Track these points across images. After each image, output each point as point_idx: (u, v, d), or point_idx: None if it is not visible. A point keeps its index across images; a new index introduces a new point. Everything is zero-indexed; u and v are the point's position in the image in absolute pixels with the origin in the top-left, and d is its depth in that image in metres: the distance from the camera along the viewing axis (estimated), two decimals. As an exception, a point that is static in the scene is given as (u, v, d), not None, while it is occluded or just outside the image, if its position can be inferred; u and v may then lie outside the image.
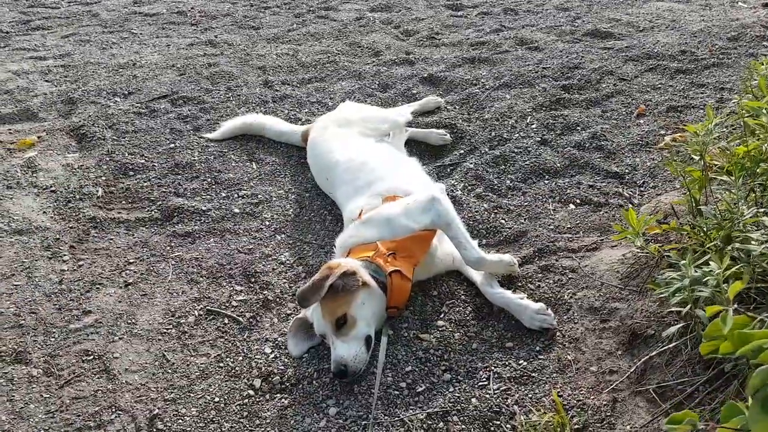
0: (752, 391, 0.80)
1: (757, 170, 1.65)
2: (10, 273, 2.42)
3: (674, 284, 1.37)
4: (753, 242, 1.42)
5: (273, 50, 4.52)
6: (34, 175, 3.07)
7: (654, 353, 1.72)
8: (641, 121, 3.20)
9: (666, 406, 1.61)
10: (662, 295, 1.60)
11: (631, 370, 1.73)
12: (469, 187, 2.85)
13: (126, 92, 3.93)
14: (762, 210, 1.51)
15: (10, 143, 3.36)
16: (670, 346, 1.62)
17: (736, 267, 1.35)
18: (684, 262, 1.37)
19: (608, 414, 1.73)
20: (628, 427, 1.65)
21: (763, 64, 2.02)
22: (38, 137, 3.43)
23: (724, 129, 2.15)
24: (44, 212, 2.80)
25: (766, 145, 1.67)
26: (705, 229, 1.55)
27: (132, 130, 3.47)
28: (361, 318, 2.02)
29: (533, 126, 3.23)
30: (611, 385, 1.80)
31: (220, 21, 5.35)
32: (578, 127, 3.19)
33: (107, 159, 3.19)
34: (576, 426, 1.71)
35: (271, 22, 5.24)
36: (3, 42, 5.04)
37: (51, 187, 2.98)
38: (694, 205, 1.71)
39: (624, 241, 2.27)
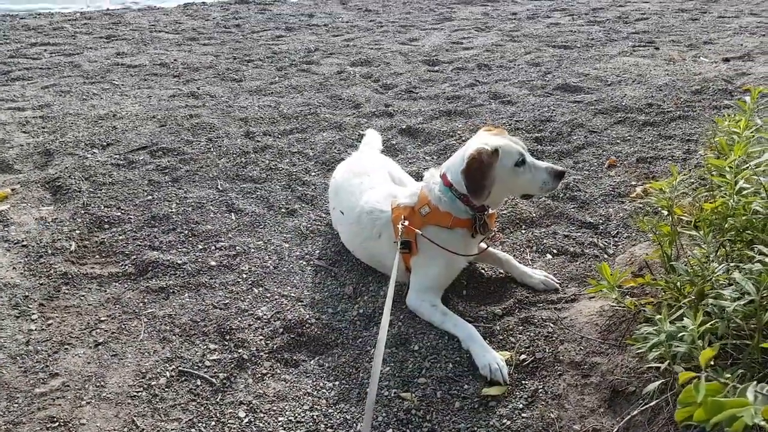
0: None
1: (725, 226, 1.69)
2: (-27, 334, 2.33)
3: (651, 339, 1.37)
4: (725, 299, 1.44)
5: (255, 102, 4.58)
6: (6, 229, 3.00)
7: (635, 412, 1.70)
8: (612, 173, 3.28)
9: (650, 467, 1.58)
10: (640, 351, 1.59)
11: (614, 430, 1.70)
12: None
13: (104, 144, 3.92)
14: (733, 265, 1.54)
15: (-18, 196, 3.30)
16: (651, 404, 1.60)
17: (711, 323, 1.36)
18: (659, 317, 1.37)
19: (592, 476, 1.69)
20: (613, 487, 1.61)
21: (725, 120, 2.10)
22: (12, 189, 3.37)
23: (692, 182, 2.21)
24: (14, 268, 2.73)
25: (731, 201, 1.72)
26: (678, 284, 1.57)
27: (109, 182, 3.44)
28: None
29: (510, 177, 3.28)
30: (594, 441, 1.77)
31: (203, 73, 5.43)
32: (553, 178, 3.26)
33: (82, 212, 3.15)
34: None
35: (253, 74, 5.33)
36: (-19, 93, 5.03)
37: (22, 241, 2.91)
38: (666, 259, 1.74)
39: (597, 294, 2.30)
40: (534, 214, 2.99)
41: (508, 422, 1.96)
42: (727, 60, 4.73)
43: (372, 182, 2.71)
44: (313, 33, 6.88)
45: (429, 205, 2.39)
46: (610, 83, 4.50)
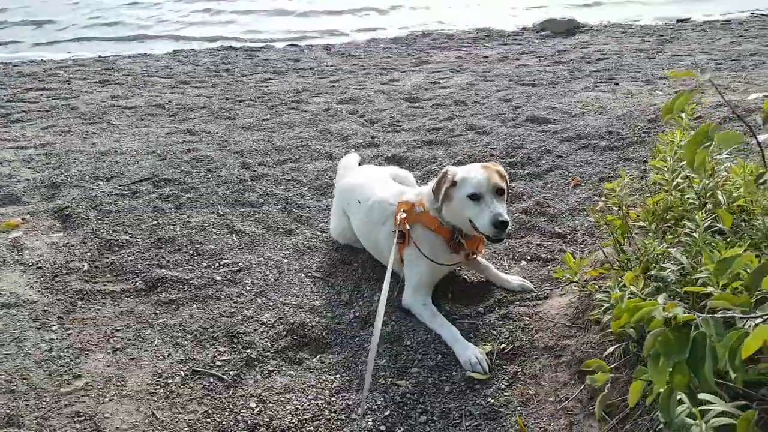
0: (647, 351, 1.08)
1: (667, 216, 2.01)
2: (1, 341, 2.51)
3: (604, 304, 1.66)
4: (668, 270, 1.74)
5: (249, 137, 4.90)
6: (20, 253, 3.20)
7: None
8: (577, 191, 3.63)
9: (613, 422, 1.84)
10: (598, 317, 1.88)
11: (576, 392, 1.97)
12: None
13: (108, 176, 4.17)
14: (670, 245, 1.85)
15: (-6, 226, 3.50)
16: (612, 367, 1.87)
17: (652, 286, 1.65)
18: (609, 284, 1.67)
19: (566, 435, 1.94)
20: (583, 444, 1.86)
21: (667, 135, 2.47)
22: (22, 219, 3.58)
23: (643, 188, 2.55)
24: (31, 287, 2.93)
25: (670, 197, 2.06)
26: (628, 262, 1.88)
27: (115, 210, 3.68)
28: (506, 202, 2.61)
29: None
30: (567, 411, 2.02)
31: (197, 112, 5.75)
32: (524, 196, 3.60)
33: (92, 236, 3.37)
34: (538, 447, 1.91)
35: (246, 113, 5.67)
36: (-17, 134, 5.26)
37: (37, 263, 3.12)
38: (617, 244, 2.05)
39: (569, 289, 2.60)
40: (509, 227, 3.30)
41: (492, 400, 2.20)
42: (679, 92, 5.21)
43: (385, 182, 3.07)
44: (300, 76, 7.30)
45: (423, 206, 2.70)
46: (574, 115, 4.94)
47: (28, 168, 4.39)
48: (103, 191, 3.93)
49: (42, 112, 5.98)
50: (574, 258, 2.31)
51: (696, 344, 1.04)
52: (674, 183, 2.05)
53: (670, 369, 1.08)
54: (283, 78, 7.20)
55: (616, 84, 5.83)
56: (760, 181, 1.49)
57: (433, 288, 2.78)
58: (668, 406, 1.12)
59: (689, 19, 10.02)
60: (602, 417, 1.89)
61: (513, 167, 4.02)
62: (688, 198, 1.99)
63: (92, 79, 7.44)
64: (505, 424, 2.09)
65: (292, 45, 9.61)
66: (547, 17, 9.39)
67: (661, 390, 1.10)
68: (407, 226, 2.70)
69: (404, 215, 2.72)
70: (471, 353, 2.39)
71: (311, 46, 9.48)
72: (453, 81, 6.48)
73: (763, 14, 10.27)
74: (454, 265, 2.85)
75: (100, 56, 9.11)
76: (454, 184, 2.58)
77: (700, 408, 1.18)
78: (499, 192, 2.55)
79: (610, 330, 1.95)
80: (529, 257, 3.05)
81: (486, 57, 7.69)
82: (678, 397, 1.20)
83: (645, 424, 1.75)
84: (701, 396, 1.18)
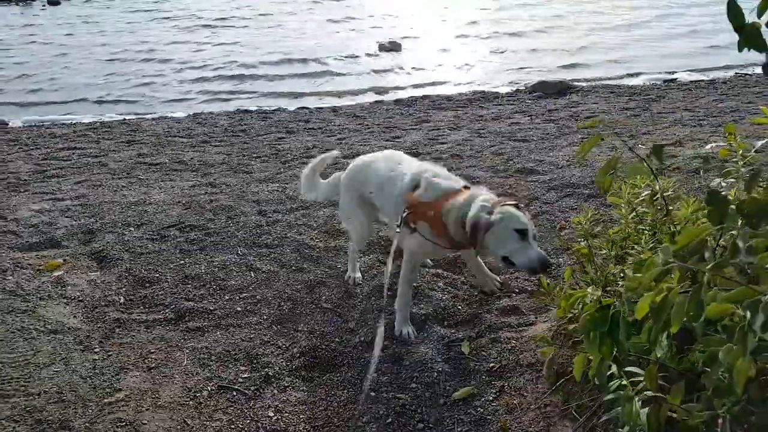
0: (581, 329, 1.44)
1: (624, 244, 2.40)
2: (50, 362, 2.86)
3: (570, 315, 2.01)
4: (620, 285, 2.10)
5: (264, 188, 5.37)
6: (63, 289, 3.59)
7: (571, 384, 2.29)
8: (563, 233, 4.02)
9: (582, 420, 2.15)
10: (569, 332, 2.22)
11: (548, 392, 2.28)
12: (431, 283, 3.51)
13: (138, 223, 4.61)
14: (624, 267, 2.22)
15: (38, 266, 3.91)
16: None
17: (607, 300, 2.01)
18: (574, 294, 2.03)
19: (543, 433, 2.24)
20: (557, 438, 2.16)
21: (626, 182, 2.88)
22: (63, 260, 4.00)
23: (606, 223, 2.94)
24: (74, 316, 3.30)
25: (627, 228, 2.45)
26: (589, 281, 2.24)
27: (146, 252, 4.09)
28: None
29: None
30: (546, 414, 2.33)
31: (217, 168, 6.26)
32: (516, 238, 3.99)
33: (126, 275, 3.77)
34: (519, 444, 2.21)
35: (261, 168, 6.18)
36: (23, 188, 5.76)
37: (78, 297, 3.50)
38: (582, 268, 2.42)
39: (550, 316, 2.95)
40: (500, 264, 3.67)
41: (481, 410, 2.51)
42: (660, 146, 5.67)
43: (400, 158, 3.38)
44: (310, 134, 7.88)
45: (439, 213, 2.84)
46: (561, 167, 5.39)
47: (66, 217, 4.84)
48: (134, 236, 4.35)
49: (75, 169, 6.51)
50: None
51: (614, 319, 1.41)
52: (630, 216, 2.44)
53: (599, 342, 1.44)
54: (294, 137, 7.78)
55: (602, 139, 6.31)
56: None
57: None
58: (601, 371, 1.47)
59: (676, 79, 10.68)
60: (570, 414, 2.20)
61: (504, 213, 4.42)
62: (641, 228, 2.37)
63: (119, 139, 8.04)
64: (491, 428, 2.39)
65: (303, 108, 10.31)
66: (540, 79, 10.09)
67: (592, 358, 1.46)
68: (412, 225, 2.97)
69: (411, 213, 2.95)
70: (405, 329, 3.05)
71: (320, 108, 10.17)
72: (450, 137, 7.00)
73: (746, 73, 10.92)
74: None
75: (125, 119, 9.80)
76: (489, 226, 2.67)
77: (631, 380, 1.52)
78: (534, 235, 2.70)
79: (577, 339, 2.29)
80: (517, 290, 3.40)
81: (481, 116, 8.27)
82: (610, 370, 1.55)
83: (611, 420, 2.06)
84: (632, 369, 1.53)
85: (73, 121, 9.89)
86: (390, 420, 2.51)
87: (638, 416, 1.40)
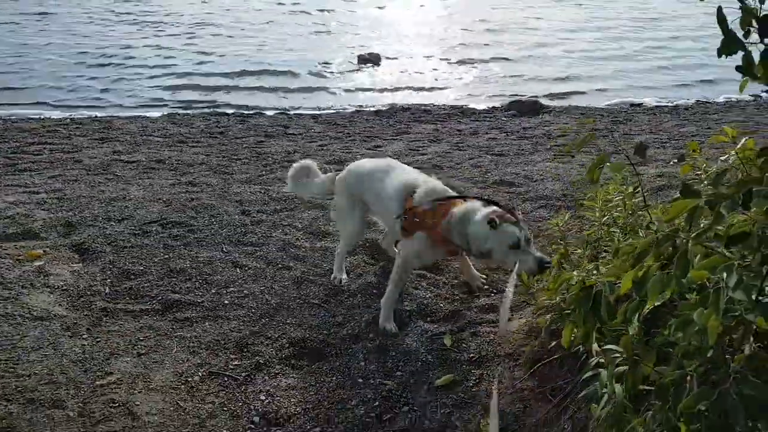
0: (569, 306, 1.61)
1: (596, 245, 2.61)
2: (38, 346, 2.88)
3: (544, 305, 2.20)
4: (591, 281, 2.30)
5: (247, 189, 5.44)
6: (46, 278, 3.58)
7: (546, 369, 2.48)
8: (537, 240, 4.24)
9: (556, 401, 2.33)
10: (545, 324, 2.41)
11: (526, 375, 2.46)
12: (415, 282, 3.67)
13: (119, 218, 4.61)
14: (599, 264, 2.43)
15: (18, 256, 3.88)
16: (554, 357, 2.39)
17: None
18: (550, 288, 2.21)
19: (521, 414, 2.41)
20: (535, 418, 2.33)
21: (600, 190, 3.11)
22: (43, 251, 3.97)
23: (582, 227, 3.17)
24: (59, 305, 3.31)
25: (600, 230, 2.66)
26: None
27: (129, 246, 4.10)
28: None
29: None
30: (523, 398, 2.50)
31: (197, 168, 6.29)
32: (493, 243, 4.19)
33: (110, 266, 3.78)
34: (500, 426, 2.37)
35: (242, 169, 6.24)
36: (-5, 180, 5.66)
37: (62, 286, 3.50)
38: (558, 265, 2.63)
39: (526, 312, 3.14)
40: (481, 267, 3.85)
41: (462, 395, 2.67)
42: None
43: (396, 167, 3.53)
44: (290, 140, 7.98)
45: (439, 222, 3.03)
46: (535, 180, 5.66)
47: (43, 210, 4.79)
48: (116, 230, 4.36)
49: (47, 164, 6.41)
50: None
51: (596, 298, 1.59)
52: (603, 220, 2.66)
53: (583, 317, 1.62)
54: (274, 141, 7.86)
55: (573, 156, 6.64)
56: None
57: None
58: (586, 342, 1.64)
59: (642, 104, 11.23)
60: (545, 396, 2.38)
61: (481, 219, 4.63)
62: (613, 231, 2.59)
63: (92, 136, 7.95)
64: (472, 410, 2.55)
65: (282, 113, 10.38)
66: (515, 99, 10.46)
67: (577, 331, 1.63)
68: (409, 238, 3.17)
69: (408, 220, 3.13)
70: (388, 325, 3.18)
71: (300, 114, 10.27)
72: (430, 149, 7.22)
73: (707, 101, 11.57)
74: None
75: (96, 116, 9.67)
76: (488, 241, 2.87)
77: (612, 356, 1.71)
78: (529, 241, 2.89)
79: (554, 329, 2.48)
80: (495, 291, 3.59)
81: (460, 130, 8.54)
82: (593, 342, 1.73)
83: (581, 401, 2.24)
84: (612, 347, 1.71)
85: (41, 116, 9.70)
86: (377, 403, 2.64)
87: (613, 385, 1.59)
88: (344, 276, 3.77)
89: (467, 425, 2.44)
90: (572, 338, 1.72)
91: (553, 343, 2.48)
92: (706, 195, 1.47)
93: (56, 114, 9.87)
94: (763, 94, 11.08)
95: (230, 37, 16.38)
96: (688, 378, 1.33)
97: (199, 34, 16.71)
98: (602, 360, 1.74)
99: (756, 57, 1.24)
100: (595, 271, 2.43)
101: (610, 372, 1.57)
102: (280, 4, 21.60)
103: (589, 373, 1.83)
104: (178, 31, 16.92)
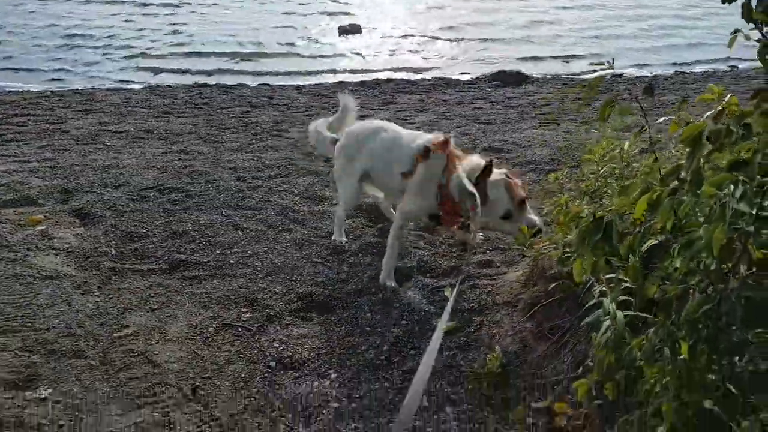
0: (578, 239, 1.75)
1: (593, 196, 2.77)
2: (52, 303, 2.94)
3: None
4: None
5: (239, 157, 5.48)
6: (50, 241, 3.62)
7: (543, 312, 2.65)
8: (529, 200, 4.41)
9: (555, 338, 2.51)
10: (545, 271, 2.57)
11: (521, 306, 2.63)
12: (414, 242, 3.80)
13: (116, 185, 4.63)
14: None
15: (19, 221, 3.89)
16: (553, 299, 2.56)
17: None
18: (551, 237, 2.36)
19: (521, 352, 2.58)
20: (534, 355, 2.51)
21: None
22: (44, 216, 3.99)
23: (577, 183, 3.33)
24: (67, 265, 3.36)
25: (597, 182, 2.82)
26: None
27: (129, 210, 4.14)
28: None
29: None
30: (522, 338, 2.68)
31: (186, 137, 6.28)
32: (486, 204, 4.35)
33: (112, 229, 3.83)
34: (503, 362, 2.54)
35: (232, 138, 6.26)
36: (-19, 150, 5.59)
37: (67, 249, 3.55)
38: (553, 219, 2.79)
39: (522, 265, 3.31)
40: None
41: (465, 339, 2.83)
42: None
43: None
44: (276, 110, 7.98)
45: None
46: (523, 146, 5.82)
47: (37, 177, 4.78)
48: (114, 196, 4.38)
49: (34, 134, 6.33)
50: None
51: (607, 227, 1.73)
52: (601, 171, 2.83)
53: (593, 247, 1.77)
54: (261, 111, 7.85)
55: (558, 124, 6.81)
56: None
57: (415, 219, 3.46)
58: (595, 272, 1.80)
59: (623, 74, 11.44)
60: (544, 335, 2.56)
61: (473, 183, 4.77)
62: (610, 181, 2.75)
63: (75, 108, 7.83)
64: (475, 352, 2.72)
65: (265, 84, 10.32)
66: (499, 69, 10.57)
67: (586, 262, 1.78)
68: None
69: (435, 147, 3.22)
70: (388, 281, 3.29)
71: (283, 85, 10.22)
72: (418, 118, 7.31)
73: (685, 72, 11.83)
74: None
75: (77, 89, 9.49)
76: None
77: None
78: (523, 204, 3.02)
79: (552, 274, 2.64)
80: (491, 248, 3.75)
81: (445, 101, 8.64)
82: (599, 272, 1.88)
83: (581, 333, 2.42)
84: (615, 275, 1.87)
85: (20, 89, 9.48)
86: (386, 348, 2.79)
87: (615, 311, 1.75)
88: (344, 238, 3.88)
89: (471, 364, 2.61)
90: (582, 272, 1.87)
91: (552, 286, 2.65)
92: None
93: (35, 87, 9.65)
94: (740, 65, 11.39)
95: (204, 14, 16.07)
96: (691, 291, 1.49)
97: (180, 11, 16.34)
98: (605, 289, 1.90)
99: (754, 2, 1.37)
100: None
101: (614, 297, 1.72)
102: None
103: (593, 301, 1.99)
104: (157, 10, 16.52)
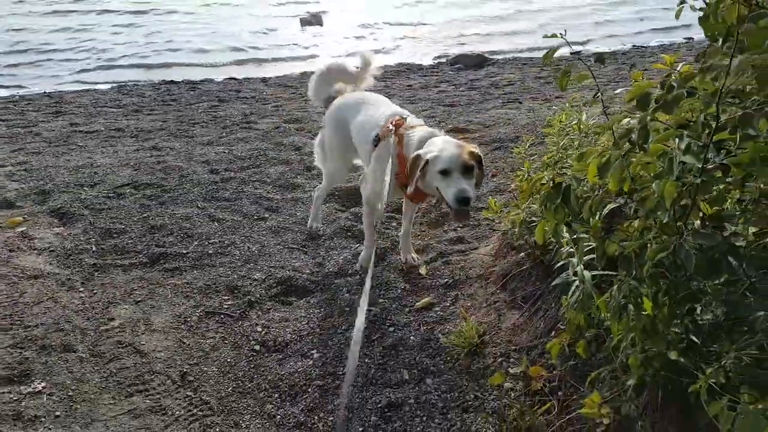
0: (540, 204, 1.91)
1: (554, 168, 2.95)
2: (38, 300, 3.01)
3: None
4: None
5: (211, 150, 5.53)
6: (31, 242, 3.66)
7: (516, 281, 2.83)
8: (495, 179, 4.59)
9: (527, 306, 2.69)
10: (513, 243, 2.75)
11: (500, 283, 2.81)
12: (386, 223, 3.95)
13: (91, 184, 4.65)
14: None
15: (-3, 224, 3.92)
16: (523, 269, 2.74)
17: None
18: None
19: (496, 323, 2.76)
20: (508, 323, 2.69)
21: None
22: (23, 218, 4.01)
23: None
24: (50, 264, 3.41)
25: (558, 154, 3.00)
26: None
27: (106, 208, 4.18)
28: (474, 181, 2.82)
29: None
30: (496, 309, 2.85)
31: (157, 134, 6.29)
32: (455, 184, 4.51)
33: (91, 227, 3.88)
34: (479, 331, 2.71)
35: (202, 132, 6.28)
36: (-51, 156, 5.51)
37: (48, 248, 3.59)
38: (521, 191, 2.96)
39: (492, 240, 3.48)
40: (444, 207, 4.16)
41: (441, 313, 3.00)
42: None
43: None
44: (244, 103, 8.00)
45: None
46: (488, 126, 5.99)
47: (13, 181, 4.76)
48: (90, 195, 4.41)
49: (6, 138, 6.24)
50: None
51: (566, 191, 1.89)
52: (561, 144, 3.00)
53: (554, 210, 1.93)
54: (228, 105, 7.86)
55: (520, 103, 7.01)
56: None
57: (383, 200, 3.11)
58: (556, 233, 1.96)
59: (580, 51, 11.70)
60: (517, 304, 2.74)
61: (443, 164, 4.93)
62: (569, 153, 2.93)
63: (45, 111, 7.71)
64: (450, 325, 2.88)
65: (231, 78, 10.28)
66: (460, 53, 10.72)
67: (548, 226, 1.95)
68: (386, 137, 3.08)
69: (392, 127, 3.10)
70: (365, 264, 3.28)
71: (249, 78, 10.20)
72: (386, 104, 7.43)
73: (642, 47, 12.16)
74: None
75: (45, 92, 9.32)
76: (426, 163, 2.81)
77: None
78: (467, 169, 2.78)
79: (520, 245, 2.82)
80: (461, 225, 3.92)
81: (409, 86, 8.76)
82: (564, 235, 2.05)
83: (551, 300, 2.59)
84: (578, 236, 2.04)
85: (-13, 95, 9.26)
86: (365, 326, 2.93)
87: (582, 272, 1.92)
88: (319, 224, 3.99)
89: (448, 336, 2.78)
90: (545, 233, 2.02)
91: (521, 256, 2.83)
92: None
93: (3, 92, 9.44)
94: (695, 36, 11.75)
95: (172, 13, 15.80)
96: (648, 246, 1.65)
97: (143, 10, 16.01)
98: (572, 249, 2.07)
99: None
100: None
101: (580, 255, 1.88)
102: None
103: (561, 263, 2.15)
104: (120, 14, 16.16)
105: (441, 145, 2.86)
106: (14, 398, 2.38)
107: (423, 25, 13.95)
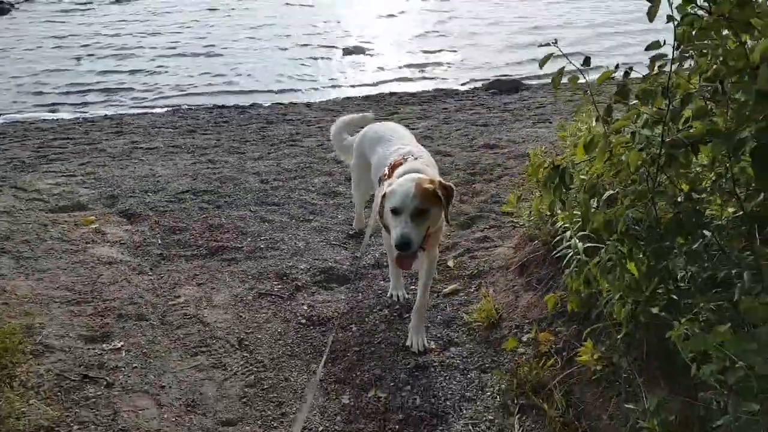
0: (542, 184, 2.26)
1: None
2: (114, 281, 3.49)
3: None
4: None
5: (261, 164, 6.05)
6: (104, 236, 4.19)
7: (533, 264, 3.14)
8: (521, 188, 4.91)
9: (541, 287, 2.99)
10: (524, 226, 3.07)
11: (514, 267, 3.12)
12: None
13: (155, 190, 5.21)
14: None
15: (74, 222, 4.47)
16: (537, 254, 3.05)
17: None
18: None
19: (513, 303, 3.07)
20: (524, 302, 2.99)
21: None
22: (95, 218, 4.57)
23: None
24: (122, 253, 3.92)
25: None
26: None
27: (169, 210, 4.71)
28: (429, 223, 2.62)
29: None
30: (514, 291, 3.16)
31: (211, 150, 6.88)
32: (482, 193, 4.84)
33: (156, 225, 4.39)
34: (498, 309, 3.02)
35: (253, 149, 6.84)
36: (30, 169, 6.21)
37: (120, 241, 4.11)
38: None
39: (512, 241, 3.79)
40: (473, 212, 4.50)
41: (466, 297, 3.33)
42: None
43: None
44: (290, 124, 8.59)
45: None
46: (518, 142, 6.32)
47: (84, 188, 5.37)
48: (154, 199, 4.96)
49: (74, 154, 6.97)
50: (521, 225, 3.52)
51: (563, 173, 2.23)
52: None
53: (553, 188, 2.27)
54: (276, 126, 8.46)
55: (550, 123, 7.31)
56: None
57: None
58: (552, 207, 2.29)
59: (613, 77, 11.94)
60: (532, 287, 3.04)
61: (473, 175, 5.29)
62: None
63: (108, 130, 8.49)
64: (473, 307, 3.20)
65: (278, 103, 10.97)
66: (495, 78, 11.13)
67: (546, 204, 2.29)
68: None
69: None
70: (396, 292, 3.38)
71: (294, 103, 10.86)
72: (420, 124, 7.86)
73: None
74: None
75: (106, 115, 10.20)
76: (383, 197, 2.68)
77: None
78: (420, 211, 2.54)
79: (536, 236, 3.13)
80: (488, 227, 4.25)
81: (445, 108, 9.19)
82: (561, 218, 2.38)
83: (560, 281, 2.89)
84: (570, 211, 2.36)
85: (55, 118, 10.21)
86: (398, 307, 3.29)
87: (576, 243, 2.24)
88: (363, 226, 4.36)
89: (471, 314, 3.10)
90: (540, 209, 2.35)
91: (536, 244, 3.14)
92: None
93: (68, 116, 10.39)
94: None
95: (228, 48, 16.91)
96: (626, 212, 1.97)
97: (184, 36, 17.17)
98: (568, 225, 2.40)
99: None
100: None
101: (573, 231, 2.21)
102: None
103: (559, 237, 2.47)
104: (163, 34, 17.37)
105: (400, 181, 2.65)
106: (98, 353, 2.82)
107: (456, 51, 14.50)
